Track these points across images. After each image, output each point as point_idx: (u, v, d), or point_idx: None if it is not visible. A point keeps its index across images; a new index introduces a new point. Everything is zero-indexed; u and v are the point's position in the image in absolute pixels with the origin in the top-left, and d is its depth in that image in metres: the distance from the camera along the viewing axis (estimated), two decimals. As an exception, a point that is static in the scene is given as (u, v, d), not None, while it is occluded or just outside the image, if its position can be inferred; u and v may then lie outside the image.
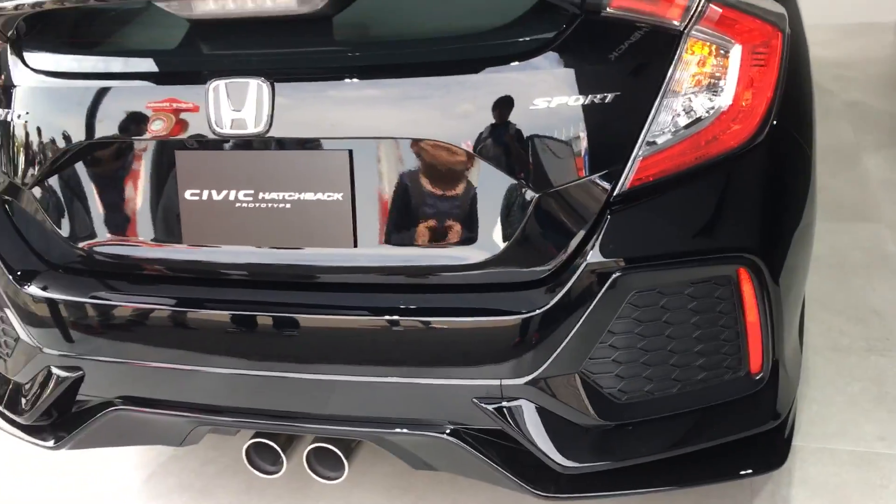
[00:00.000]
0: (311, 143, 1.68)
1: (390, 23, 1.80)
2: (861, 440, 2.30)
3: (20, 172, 1.89)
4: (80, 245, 1.86)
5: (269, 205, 1.71)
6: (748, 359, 1.68)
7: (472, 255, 1.64)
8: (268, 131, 1.65)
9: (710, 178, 1.61)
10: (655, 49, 1.58)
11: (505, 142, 1.59)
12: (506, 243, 1.62)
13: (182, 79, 1.75)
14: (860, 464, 2.21)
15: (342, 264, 1.71)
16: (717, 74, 1.59)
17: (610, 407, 1.65)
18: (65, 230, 1.87)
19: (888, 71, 6.05)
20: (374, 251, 1.69)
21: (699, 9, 1.57)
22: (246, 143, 1.71)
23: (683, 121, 1.59)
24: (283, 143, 1.69)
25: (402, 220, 1.67)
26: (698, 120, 1.59)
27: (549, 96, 1.56)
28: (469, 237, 1.64)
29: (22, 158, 1.88)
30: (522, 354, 1.61)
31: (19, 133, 1.87)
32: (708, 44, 1.58)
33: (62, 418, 1.96)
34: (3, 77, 1.91)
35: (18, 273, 1.89)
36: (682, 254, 1.60)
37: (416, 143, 1.64)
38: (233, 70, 1.67)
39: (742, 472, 1.77)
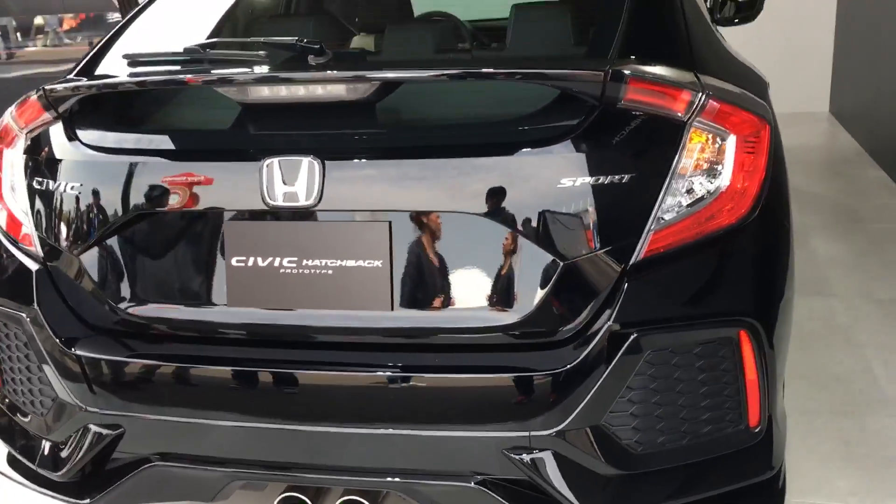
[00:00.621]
0: (354, 215, 1.84)
1: (428, 109, 1.99)
2: (834, 495, 2.49)
3: (68, 240, 2.00)
4: (125, 308, 1.97)
5: (312, 270, 1.86)
6: (747, 413, 1.86)
7: (502, 317, 1.80)
8: (317, 204, 1.81)
9: (711, 251, 1.82)
10: (664, 137, 1.79)
11: (534, 216, 1.77)
12: (533, 307, 1.79)
13: (233, 156, 1.91)
14: (836, 517, 2.40)
15: (379, 325, 1.86)
16: (716, 160, 1.81)
17: (627, 457, 1.81)
18: (110, 294, 1.98)
19: (824, 157, 6.49)
20: (409, 314, 1.84)
21: (700, 103, 1.80)
22: (292, 215, 1.86)
23: (688, 200, 1.79)
24: (327, 215, 1.85)
25: (436, 285, 1.83)
26: (700, 199, 1.80)
27: (573, 177, 1.76)
28: (499, 301, 1.81)
29: (70, 227, 2.00)
30: (550, 408, 1.77)
31: (69, 203, 1.99)
32: (708, 133, 1.80)
33: (97, 475, 2.03)
34: (55, 151, 2.04)
35: (63, 335, 1.98)
36: (691, 317, 1.80)
37: (450, 215, 1.81)
38: (286, 149, 1.83)
39: None
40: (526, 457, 1.80)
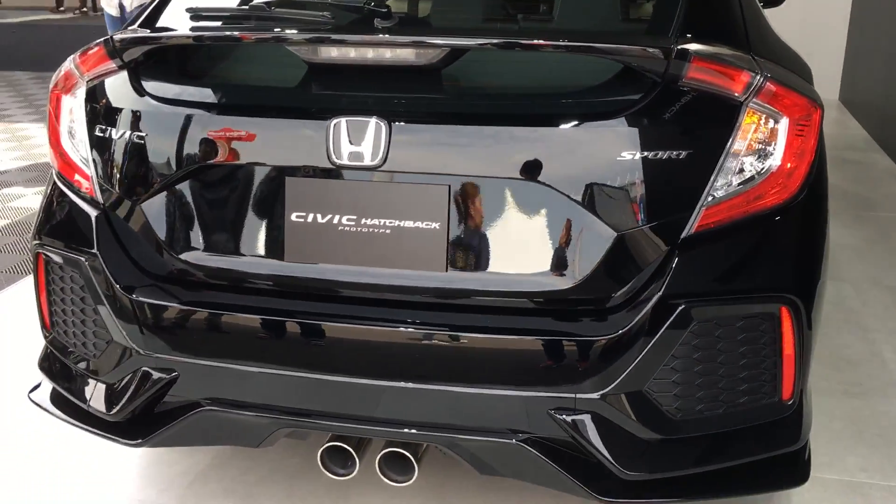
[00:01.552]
0: (415, 178, 1.90)
1: (492, 77, 2.04)
2: (846, 471, 2.58)
3: (129, 188, 2.05)
4: (185, 257, 2.02)
5: (370, 230, 1.92)
6: (782, 386, 1.94)
7: (554, 283, 1.87)
8: (382, 165, 1.87)
9: (759, 229, 1.88)
10: (720, 116, 1.85)
11: (591, 187, 1.83)
12: (586, 275, 1.85)
13: (300, 114, 1.95)
14: (847, 491, 2.49)
15: (433, 286, 1.92)
16: (768, 141, 1.87)
17: (666, 422, 1.89)
18: (170, 243, 2.03)
19: (833, 145, 6.56)
20: (463, 275, 1.90)
21: (758, 84, 1.85)
22: (354, 174, 1.91)
23: (739, 178, 1.86)
24: (388, 176, 1.90)
25: (490, 249, 1.89)
26: (751, 178, 1.86)
27: (631, 150, 1.82)
28: (552, 268, 1.87)
29: (133, 175, 2.05)
30: (597, 372, 1.84)
31: (132, 152, 2.04)
32: (762, 114, 1.86)
33: (147, 418, 2.10)
34: (120, 100, 2.08)
35: (121, 280, 2.03)
36: (737, 291, 1.87)
37: (509, 182, 1.87)
38: (353, 109, 1.88)
39: (774, 486, 2.02)
40: (570, 417, 1.88)
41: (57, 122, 2.20)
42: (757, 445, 1.96)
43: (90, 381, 2.18)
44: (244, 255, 2.00)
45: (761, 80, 1.86)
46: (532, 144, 1.85)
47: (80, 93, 2.15)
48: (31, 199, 5.38)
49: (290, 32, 1.97)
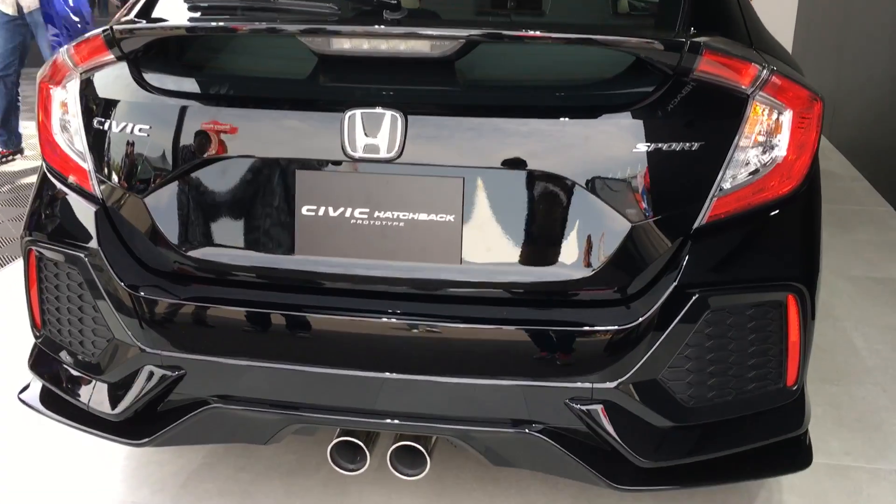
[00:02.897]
0: (429, 170, 1.89)
1: (505, 69, 2.04)
2: (831, 455, 2.66)
3: (132, 182, 2.00)
4: (191, 252, 1.99)
5: (383, 222, 1.91)
6: (787, 373, 1.99)
7: (569, 274, 1.88)
8: (398, 157, 1.86)
9: (766, 219, 1.93)
10: (729, 108, 1.89)
11: (605, 178, 1.85)
12: (600, 265, 1.87)
13: (312, 106, 1.93)
14: (834, 474, 2.57)
15: (447, 278, 1.92)
16: (774, 133, 1.91)
17: (679, 410, 1.92)
18: (175, 238, 1.99)
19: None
20: (477, 267, 1.91)
21: (764, 77, 1.89)
22: (367, 166, 1.90)
23: (747, 169, 1.90)
24: (403, 168, 1.89)
25: (504, 241, 1.90)
26: (757, 170, 1.90)
27: (644, 142, 1.84)
28: (567, 259, 1.88)
29: (136, 169, 2.00)
30: (613, 362, 1.86)
31: (135, 145, 1.99)
32: (768, 107, 1.90)
33: (152, 416, 2.05)
34: (119, 91, 2.03)
35: (124, 276, 1.99)
36: (748, 280, 1.91)
37: (523, 173, 1.88)
38: (369, 101, 1.87)
39: (780, 470, 2.07)
40: (587, 407, 1.89)
41: (47, 115, 2.14)
42: (763, 431, 2.01)
43: (89, 380, 2.13)
44: (253, 250, 1.97)
45: (767, 73, 1.90)
46: (547, 136, 1.86)
47: (74, 85, 2.09)
48: None
49: (303, 23, 1.94)
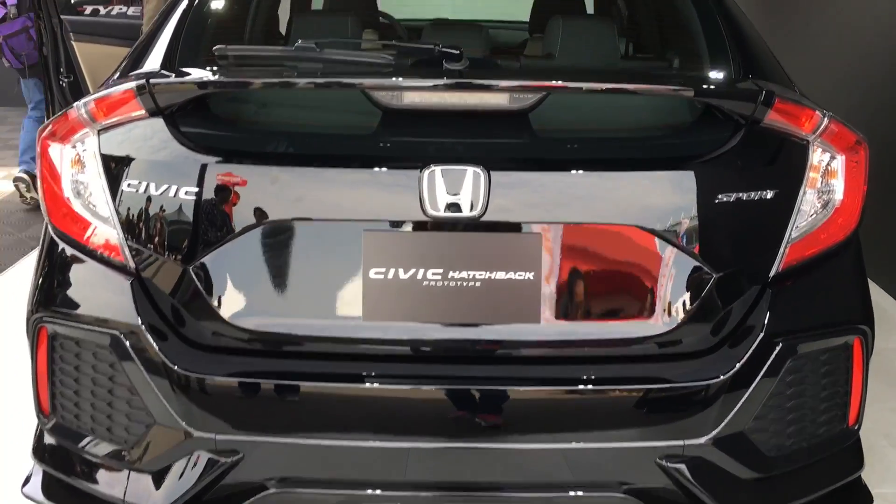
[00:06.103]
0: (506, 226, 1.81)
1: (577, 120, 1.98)
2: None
3: (175, 250, 1.82)
4: (245, 324, 1.82)
5: (458, 283, 1.80)
6: (850, 413, 2.01)
7: (654, 327, 1.84)
8: (482, 215, 1.76)
9: (832, 262, 1.95)
10: (795, 155, 1.91)
11: (684, 229, 1.82)
12: (684, 318, 1.83)
13: (380, 163, 1.81)
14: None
15: (527, 338, 1.84)
16: (832, 177, 1.94)
17: (763, 460, 1.90)
18: (225, 309, 1.81)
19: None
20: (559, 326, 1.83)
21: (824, 124, 1.92)
22: (436, 226, 1.80)
23: (813, 215, 1.91)
24: (476, 226, 1.80)
25: (586, 297, 1.83)
26: (822, 215, 1.93)
27: (722, 191, 1.83)
28: (649, 312, 1.84)
29: (182, 236, 1.82)
30: (705, 417, 1.82)
31: (181, 211, 1.81)
32: (825, 152, 1.93)
33: (201, 506, 1.86)
34: (155, 151, 1.84)
35: (171, 355, 1.80)
36: (824, 325, 1.92)
37: (601, 227, 1.82)
38: (449, 157, 1.77)
39: None
40: (678, 464, 1.84)
41: (54, 176, 1.92)
42: (835, 474, 2.02)
43: (122, 470, 1.90)
44: (315, 318, 1.83)
45: (827, 120, 1.93)
46: (625, 188, 1.82)
47: (91, 142, 1.89)
48: None
49: (360, 76, 1.83)
